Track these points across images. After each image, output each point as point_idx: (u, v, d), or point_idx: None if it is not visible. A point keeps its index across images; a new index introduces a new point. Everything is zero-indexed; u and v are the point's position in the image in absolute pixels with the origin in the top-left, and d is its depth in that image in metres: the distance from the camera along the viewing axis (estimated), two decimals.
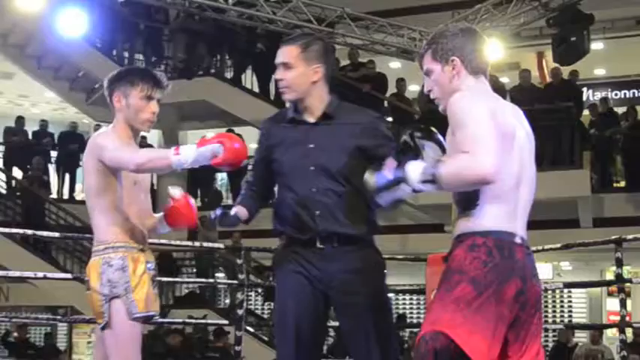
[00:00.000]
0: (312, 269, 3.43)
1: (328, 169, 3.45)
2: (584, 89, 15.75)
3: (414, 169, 2.59)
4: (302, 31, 10.45)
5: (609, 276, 7.59)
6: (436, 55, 2.82)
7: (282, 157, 3.54)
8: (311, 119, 3.54)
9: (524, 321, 2.62)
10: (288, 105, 3.68)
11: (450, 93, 2.72)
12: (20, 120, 16.00)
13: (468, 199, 2.65)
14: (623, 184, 13.45)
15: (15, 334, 12.59)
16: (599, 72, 17.90)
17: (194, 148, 3.05)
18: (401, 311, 16.60)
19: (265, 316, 13.97)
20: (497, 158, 2.50)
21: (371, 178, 2.76)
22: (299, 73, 3.50)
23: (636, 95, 17.52)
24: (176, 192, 3.50)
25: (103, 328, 3.20)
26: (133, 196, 3.37)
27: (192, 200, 3.53)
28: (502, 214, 2.64)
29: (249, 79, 14.99)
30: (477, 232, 2.63)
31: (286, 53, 3.56)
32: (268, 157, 3.61)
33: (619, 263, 6.36)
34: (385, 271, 3.67)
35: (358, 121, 3.56)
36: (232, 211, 3.54)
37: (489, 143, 2.51)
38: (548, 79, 14.18)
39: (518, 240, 2.64)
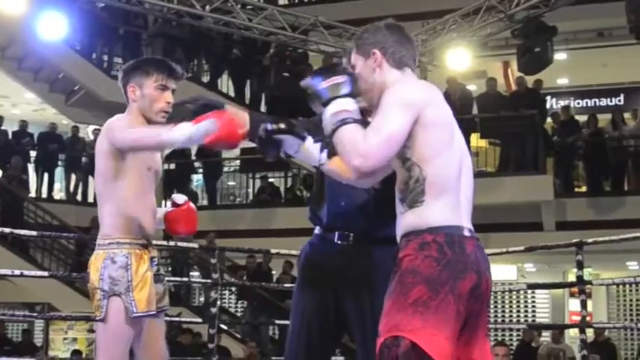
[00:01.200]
0: (332, 267, 3.24)
1: None
2: (548, 98, 15.89)
3: (339, 105, 2.55)
4: (278, 39, 10.45)
5: (571, 277, 7.61)
6: (359, 49, 2.75)
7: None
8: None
9: (476, 312, 2.54)
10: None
11: (373, 85, 2.68)
12: None
13: (413, 194, 2.52)
14: (584, 189, 13.57)
15: None
16: (562, 81, 18.03)
17: (189, 125, 2.94)
18: None
19: (239, 314, 13.92)
20: (384, 154, 2.44)
21: (316, 73, 2.67)
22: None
23: (597, 104, 17.67)
24: (180, 198, 3.46)
25: (98, 320, 3.16)
26: (145, 184, 3.29)
27: (193, 207, 3.47)
28: (448, 207, 2.52)
29: (225, 83, 14.98)
30: (424, 229, 2.50)
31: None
32: None
33: (580, 265, 6.40)
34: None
35: None
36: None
37: (387, 137, 2.45)
38: (514, 88, 14.26)
39: (466, 233, 2.54)
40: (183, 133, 2.94)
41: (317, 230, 3.40)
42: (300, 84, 2.72)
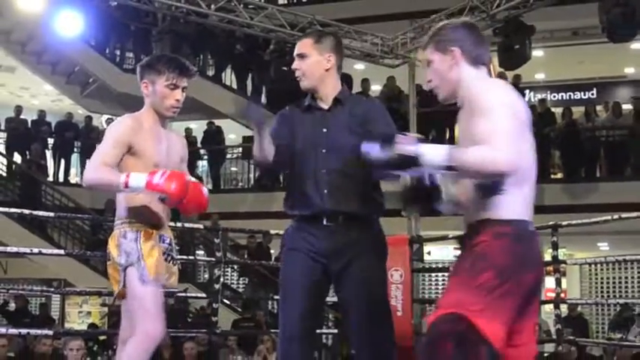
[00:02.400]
0: (317, 244, 3.40)
1: (339, 152, 3.41)
2: (526, 91, 15.88)
3: (435, 152, 2.43)
4: (277, 36, 10.44)
5: (547, 257, 7.61)
6: (437, 46, 2.70)
7: (297, 141, 3.50)
8: (324, 106, 3.53)
9: (533, 302, 2.54)
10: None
11: (449, 82, 2.66)
12: (18, 109, 15.83)
13: (492, 185, 2.49)
14: (560, 175, 13.59)
15: (13, 304, 12.48)
16: (539, 76, 18.05)
17: (142, 186, 3.04)
18: None
19: (240, 290, 13.93)
20: (515, 153, 2.40)
21: (374, 149, 2.49)
22: (313, 62, 3.50)
23: (572, 98, 17.69)
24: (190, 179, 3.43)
25: (120, 297, 3.21)
26: None
27: (204, 188, 3.43)
28: (520, 202, 2.51)
29: (229, 76, 14.96)
30: (501, 220, 2.48)
31: (301, 45, 3.57)
32: (284, 141, 3.49)
33: (555, 246, 6.43)
34: (387, 249, 3.62)
35: (367, 108, 3.57)
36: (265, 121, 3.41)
37: (509, 138, 2.40)
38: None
39: (532, 228, 2.53)
40: (138, 189, 3.07)
41: (298, 217, 3.53)
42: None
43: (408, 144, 2.44)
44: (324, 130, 3.47)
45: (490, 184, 2.49)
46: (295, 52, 3.58)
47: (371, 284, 3.40)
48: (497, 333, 2.36)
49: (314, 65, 3.50)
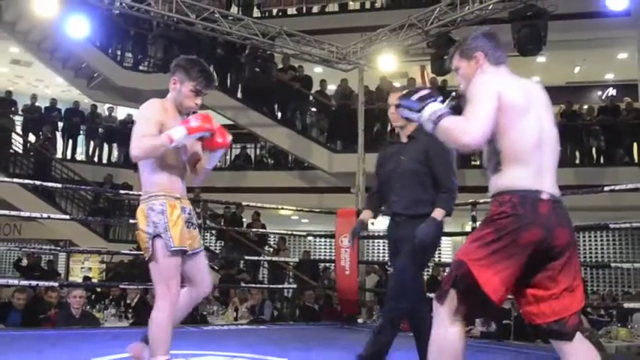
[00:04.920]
0: (394, 231, 4.01)
1: (409, 172, 3.90)
2: (452, 94, 15.97)
3: (431, 108, 2.49)
4: (251, 43, 10.33)
5: (467, 228, 7.69)
6: (462, 54, 2.70)
7: (384, 166, 4.08)
8: (404, 140, 4.02)
9: (554, 261, 2.38)
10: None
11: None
12: (33, 97, 15.65)
13: (495, 162, 2.47)
14: (478, 162, 13.71)
15: (25, 260, 12.30)
16: None
17: (185, 133, 3.00)
18: (319, 250, 16.75)
19: (217, 252, 13.87)
20: (483, 132, 2.37)
21: (402, 97, 2.62)
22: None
23: None
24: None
25: (148, 261, 3.07)
26: (175, 155, 3.14)
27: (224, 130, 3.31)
28: (526, 174, 2.40)
29: None
30: (504, 191, 2.42)
31: (394, 96, 3.91)
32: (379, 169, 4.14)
33: (474, 219, 6.49)
34: (440, 234, 3.88)
35: (427, 141, 3.73)
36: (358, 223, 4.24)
37: (483, 118, 2.37)
38: (428, 85, 14.30)
39: (544, 196, 2.39)
40: (181, 141, 3.03)
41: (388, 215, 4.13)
42: (395, 105, 2.81)
43: (424, 96, 2.56)
44: (402, 157, 3.96)
45: (494, 162, 2.49)
46: (393, 101, 3.92)
47: (408, 254, 3.80)
48: (489, 281, 2.32)
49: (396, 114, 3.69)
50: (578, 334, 2.39)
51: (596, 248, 15.36)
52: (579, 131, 13.42)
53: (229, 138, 3.25)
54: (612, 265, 12.20)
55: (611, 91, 17.20)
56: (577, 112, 14.03)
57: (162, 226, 3.01)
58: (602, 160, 13.23)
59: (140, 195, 3.15)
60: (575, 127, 13.42)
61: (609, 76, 17.64)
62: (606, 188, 6.17)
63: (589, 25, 13.32)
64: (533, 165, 2.42)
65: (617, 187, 6.17)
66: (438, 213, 3.75)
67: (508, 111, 2.41)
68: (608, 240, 15.24)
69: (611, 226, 7.06)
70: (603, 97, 16.81)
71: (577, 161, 13.30)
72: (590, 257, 15.28)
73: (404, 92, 2.66)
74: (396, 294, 3.76)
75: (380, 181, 4.12)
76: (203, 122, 3.04)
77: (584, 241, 15.45)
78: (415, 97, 2.57)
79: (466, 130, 2.37)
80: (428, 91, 2.59)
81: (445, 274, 2.53)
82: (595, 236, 15.31)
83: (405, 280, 3.75)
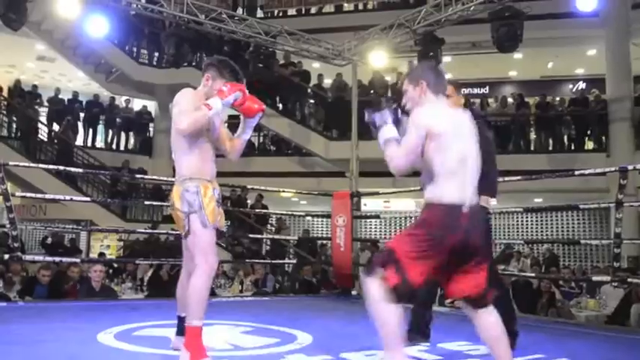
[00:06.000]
0: None
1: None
2: (386, 99, 15.96)
3: (382, 134, 2.80)
4: (255, 41, 10.27)
5: None
6: (411, 79, 2.88)
7: None
8: None
9: (467, 260, 2.63)
10: None
11: (418, 104, 2.81)
12: (57, 90, 15.65)
13: (429, 178, 2.67)
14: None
15: (50, 238, 12.29)
16: (447, 76, 17.96)
17: (220, 102, 3.04)
18: (317, 229, 16.75)
19: (224, 230, 13.82)
20: (407, 160, 2.66)
21: (370, 113, 2.89)
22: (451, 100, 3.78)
23: (470, 92, 17.87)
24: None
25: (185, 237, 3.09)
26: (205, 140, 3.16)
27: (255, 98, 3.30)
28: (452, 189, 2.61)
29: None
30: (435, 202, 2.63)
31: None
32: None
33: None
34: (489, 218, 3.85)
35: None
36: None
37: (409, 149, 2.65)
38: (391, 97, 14.25)
39: (465, 210, 2.60)
40: (218, 107, 3.05)
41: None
42: (365, 115, 2.92)
43: (384, 118, 2.83)
44: None
45: (428, 177, 2.68)
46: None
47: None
48: (414, 267, 2.52)
49: (454, 102, 3.87)
50: (488, 308, 2.69)
51: (567, 226, 15.39)
52: (552, 121, 13.41)
53: (262, 104, 3.28)
54: (582, 241, 12.27)
55: (581, 85, 17.16)
56: (550, 103, 14.01)
57: (197, 205, 3.03)
58: (572, 147, 13.23)
59: (161, 179, 3.21)
60: (548, 117, 13.42)
61: (579, 71, 17.60)
62: (577, 172, 6.16)
63: (561, 24, 13.30)
64: (458, 181, 2.63)
65: (587, 172, 6.16)
66: (484, 200, 3.66)
67: (437, 138, 2.63)
68: (578, 219, 15.26)
69: (581, 206, 7.07)
70: (574, 90, 16.77)
71: (550, 148, 13.31)
72: (562, 235, 15.31)
73: (374, 106, 2.91)
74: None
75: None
76: (233, 88, 3.09)
77: (557, 220, 15.48)
78: (376, 116, 2.85)
79: (393, 158, 2.69)
80: (386, 111, 2.85)
81: (377, 255, 2.71)
82: (566, 215, 15.34)
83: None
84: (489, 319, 2.68)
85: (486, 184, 3.42)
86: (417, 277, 2.52)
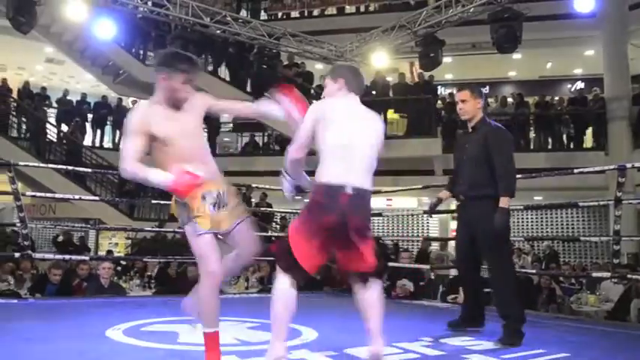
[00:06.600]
0: (462, 211, 4.19)
1: (471, 159, 4.03)
2: (439, 87, 15.93)
3: (285, 187, 3.01)
4: (259, 43, 10.25)
5: (452, 206, 7.68)
6: (331, 74, 3.06)
7: (456, 154, 4.31)
8: (469, 131, 4.16)
9: (349, 238, 2.70)
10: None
11: (332, 97, 2.99)
12: (66, 91, 15.69)
13: (317, 161, 2.79)
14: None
15: (61, 237, 12.31)
16: (448, 76, 18.11)
17: (163, 181, 2.70)
18: None
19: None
20: (301, 145, 2.83)
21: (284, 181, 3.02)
22: (470, 105, 4.09)
23: None
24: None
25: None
26: (177, 148, 2.84)
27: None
28: (336, 171, 2.72)
29: (224, 71, 14.76)
30: (317, 183, 2.75)
31: (463, 94, 4.12)
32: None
33: None
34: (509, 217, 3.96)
35: (486, 131, 4.00)
36: (436, 199, 4.53)
37: (300, 142, 2.83)
38: (416, 80, 14.23)
39: (347, 190, 2.70)
40: (160, 182, 2.71)
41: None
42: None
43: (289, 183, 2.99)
44: (467, 146, 4.11)
45: (316, 162, 2.80)
46: (459, 99, 4.13)
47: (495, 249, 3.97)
48: (299, 244, 2.67)
49: (470, 106, 4.07)
50: (372, 285, 2.83)
51: (567, 224, 15.35)
52: (551, 120, 13.38)
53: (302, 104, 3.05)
54: (582, 238, 12.22)
55: (580, 84, 17.12)
56: (549, 103, 13.97)
57: (186, 218, 2.84)
58: (571, 146, 13.20)
59: None
60: (547, 117, 13.38)
61: (577, 71, 17.57)
62: (576, 170, 6.13)
63: (559, 25, 13.28)
64: (343, 164, 2.74)
65: (586, 170, 6.13)
66: (503, 202, 3.80)
67: (324, 122, 2.79)
68: (577, 217, 15.22)
69: (581, 204, 7.05)
70: (572, 90, 16.74)
71: (549, 147, 13.28)
72: (562, 232, 15.27)
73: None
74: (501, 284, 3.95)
75: (454, 166, 4.31)
76: (192, 179, 2.72)
77: (557, 217, 15.45)
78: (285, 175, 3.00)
79: (289, 152, 2.87)
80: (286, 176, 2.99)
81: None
82: (566, 213, 15.30)
83: (503, 261, 3.97)
84: (373, 294, 2.82)
85: (504, 186, 3.81)
86: (302, 257, 2.66)
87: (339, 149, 2.74)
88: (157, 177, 2.72)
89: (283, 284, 2.70)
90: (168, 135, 2.83)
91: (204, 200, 2.87)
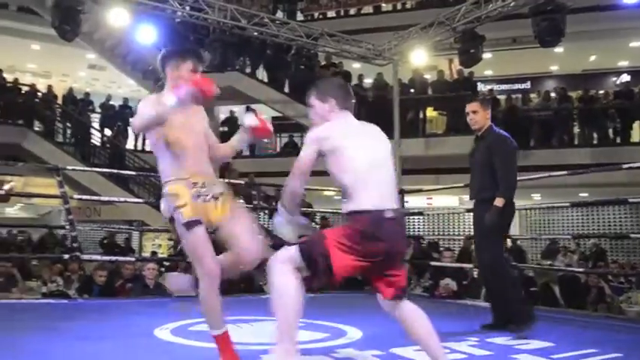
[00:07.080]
0: (474, 213, 4.44)
1: (479, 164, 4.34)
2: (478, 83, 15.73)
3: (280, 223, 2.73)
4: (297, 44, 10.30)
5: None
6: (318, 95, 2.79)
7: (470, 159, 4.56)
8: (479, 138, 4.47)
9: (390, 265, 2.60)
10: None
11: (325, 119, 2.75)
12: (108, 97, 16.01)
13: (345, 191, 2.59)
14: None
15: (106, 239, 12.58)
16: (488, 72, 17.88)
17: (174, 98, 2.65)
18: None
19: (270, 228, 13.96)
20: (302, 180, 2.63)
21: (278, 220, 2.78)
22: (480, 115, 4.43)
23: (512, 88, 17.59)
24: (251, 119, 3.02)
25: (178, 240, 2.96)
26: (184, 137, 2.84)
27: (266, 120, 3.09)
28: (371, 196, 2.54)
29: (262, 73, 14.87)
30: (357, 211, 2.55)
31: (473, 105, 4.46)
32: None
33: None
34: (508, 216, 4.29)
35: (491, 139, 4.32)
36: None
37: (300, 171, 2.62)
38: (455, 77, 14.09)
39: (388, 214, 2.54)
40: (172, 103, 2.66)
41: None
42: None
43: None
44: (476, 152, 4.44)
45: (344, 190, 2.60)
46: (470, 110, 4.44)
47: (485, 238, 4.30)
48: (339, 260, 2.47)
49: (480, 117, 4.39)
50: (408, 302, 2.66)
51: (615, 221, 15.01)
52: (596, 114, 13.08)
53: (213, 88, 2.82)
54: (632, 235, 11.93)
55: (625, 77, 16.70)
56: (594, 97, 13.67)
57: (172, 209, 2.76)
58: (617, 140, 12.88)
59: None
60: (592, 111, 13.08)
61: (623, 63, 17.13)
62: (624, 166, 6.00)
63: (603, 17, 12.98)
64: (373, 188, 2.56)
65: (635, 165, 6.00)
66: (498, 201, 4.11)
67: (334, 153, 2.59)
68: (626, 213, 14.87)
69: (630, 200, 6.87)
70: (617, 83, 16.34)
71: (594, 142, 12.99)
72: (611, 229, 14.93)
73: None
74: (488, 265, 4.25)
75: (470, 170, 4.57)
76: (190, 82, 2.71)
77: (603, 214, 15.12)
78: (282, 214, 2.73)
79: (288, 183, 2.65)
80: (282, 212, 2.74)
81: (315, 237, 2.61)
82: (614, 210, 14.96)
83: (490, 257, 4.22)
84: (411, 305, 2.65)
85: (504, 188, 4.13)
86: (339, 268, 2.48)
87: (365, 174, 2.56)
88: (168, 99, 2.67)
89: (293, 280, 2.48)
90: (173, 124, 2.79)
91: (188, 189, 2.79)
